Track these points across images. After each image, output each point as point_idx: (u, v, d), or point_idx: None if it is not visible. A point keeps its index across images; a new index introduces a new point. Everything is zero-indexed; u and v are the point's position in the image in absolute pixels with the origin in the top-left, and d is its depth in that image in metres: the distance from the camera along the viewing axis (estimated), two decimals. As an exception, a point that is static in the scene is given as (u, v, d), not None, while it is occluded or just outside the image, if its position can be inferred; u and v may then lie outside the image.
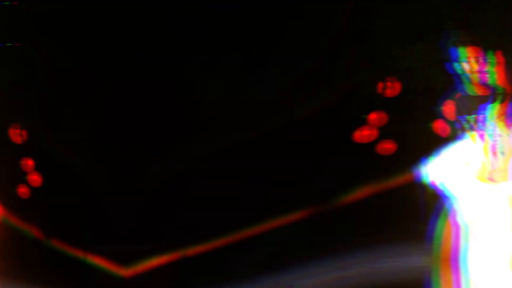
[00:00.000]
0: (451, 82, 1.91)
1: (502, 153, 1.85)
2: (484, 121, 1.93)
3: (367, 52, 5.15)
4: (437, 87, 4.55)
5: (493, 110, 1.87)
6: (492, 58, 1.91)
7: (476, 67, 1.91)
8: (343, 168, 7.58)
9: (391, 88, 5.35)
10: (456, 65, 1.97)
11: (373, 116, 6.18)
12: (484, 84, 1.94)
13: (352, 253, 4.76)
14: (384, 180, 7.99)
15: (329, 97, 5.65)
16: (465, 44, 1.92)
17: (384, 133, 6.68)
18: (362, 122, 6.32)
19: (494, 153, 1.86)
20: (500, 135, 1.86)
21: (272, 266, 4.58)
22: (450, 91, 2.09)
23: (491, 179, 1.85)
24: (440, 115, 5.48)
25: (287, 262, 4.60)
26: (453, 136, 2.09)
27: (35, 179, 5.16)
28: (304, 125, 5.95)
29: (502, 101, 1.82)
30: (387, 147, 6.70)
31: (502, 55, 1.78)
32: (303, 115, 5.71)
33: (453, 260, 1.82)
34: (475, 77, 1.94)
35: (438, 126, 5.61)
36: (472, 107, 1.98)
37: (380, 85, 5.32)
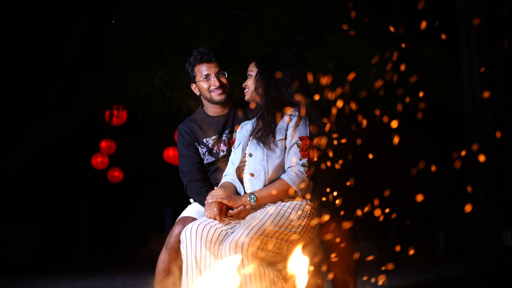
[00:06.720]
0: (194, 105, 1.85)
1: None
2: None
3: (102, 80, 4.93)
4: (181, 112, 4.58)
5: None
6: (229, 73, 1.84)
7: (222, 82, 1.84)
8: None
9: (118, 117, 5.25)
10: (201, 83, 1.89)
11: (103, 144, 6.03)
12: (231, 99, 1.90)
13: None
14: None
15: (68, 123, 5.45)
16: (210, 61, 1.87)
17: (115, 160, 6.58)
18: (96, 149, 6.15)
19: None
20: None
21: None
22: (191, 114, 2.00)
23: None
24: (172, 143, 5.54)
25: None
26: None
27: None
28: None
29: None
30: (115, 175, 6.58)
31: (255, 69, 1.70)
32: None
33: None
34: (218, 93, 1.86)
35: (169, 154, 5.76)
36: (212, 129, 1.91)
37: (107, 114, 5.16)
